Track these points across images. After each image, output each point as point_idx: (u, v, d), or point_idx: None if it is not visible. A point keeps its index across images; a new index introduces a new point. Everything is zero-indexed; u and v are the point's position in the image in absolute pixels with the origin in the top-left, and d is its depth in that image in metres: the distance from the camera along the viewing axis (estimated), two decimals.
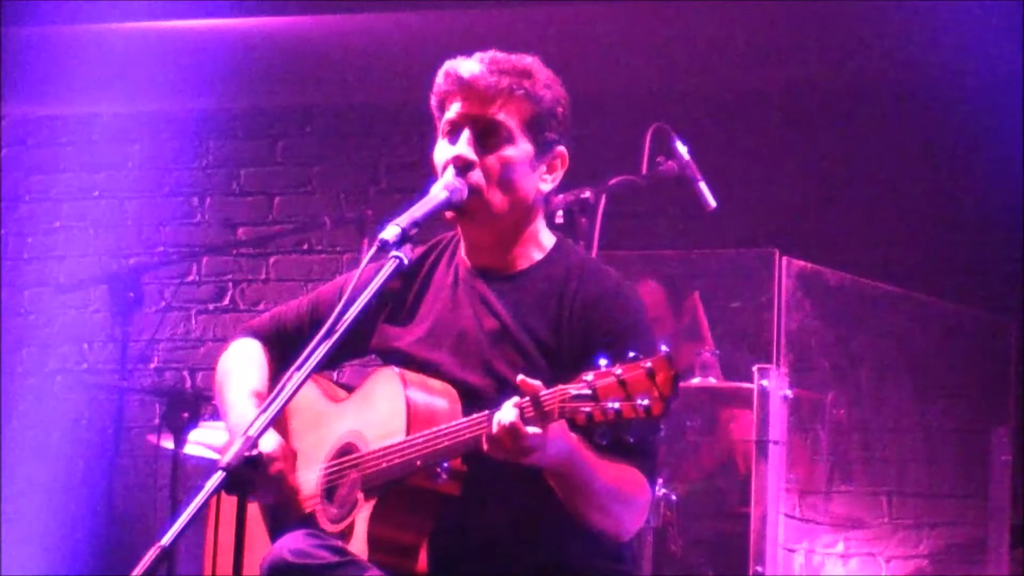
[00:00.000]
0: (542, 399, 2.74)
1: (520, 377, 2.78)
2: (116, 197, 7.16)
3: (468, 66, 3.12)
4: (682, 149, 4.47)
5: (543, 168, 3.16)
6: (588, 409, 2.65)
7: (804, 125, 6.40)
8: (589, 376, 2.66)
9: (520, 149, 3.12)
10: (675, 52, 6.14)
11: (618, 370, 2.62)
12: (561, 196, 4.18)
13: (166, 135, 7.12)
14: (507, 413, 2.77)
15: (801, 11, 5.69)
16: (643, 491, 3.01)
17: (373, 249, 2.92)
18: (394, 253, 2.92)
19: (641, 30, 6.00)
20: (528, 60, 3.15)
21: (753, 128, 6.41)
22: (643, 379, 2.60)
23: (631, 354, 2.64)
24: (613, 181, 4.43)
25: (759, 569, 4.44)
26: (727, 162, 5.85)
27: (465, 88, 3.11)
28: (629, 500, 3.00)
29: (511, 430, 2.76)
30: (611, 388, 2.63)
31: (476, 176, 3.10)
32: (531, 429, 2.75)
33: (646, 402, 2.59)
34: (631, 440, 2.80)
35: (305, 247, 6.99)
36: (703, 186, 4.48)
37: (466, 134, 3.11)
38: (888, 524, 5.50)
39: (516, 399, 2.77)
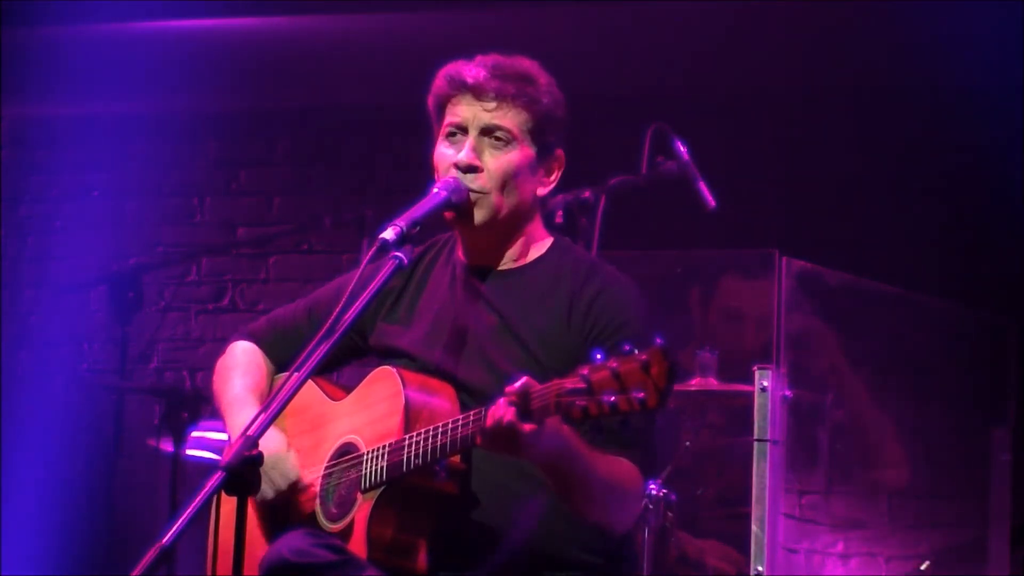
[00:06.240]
0: (537, 393, 2.74)
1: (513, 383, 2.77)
2: (116, 197, 7.16)
3: (472, 70, 3.14)
4: (682, 149, 4.48)
5: (542, 171, 3.19)
6: (583, 403, 2.64)
7: (804, 125, 6.39)
8: (584, 370, 2.66)
9: (522, 153, 3.14)
10: (675, 52, 6.13)
11: (613, 363, 2.62)
12: (561, 196, 4.19)
13: (166, 135, 7.11)
14: (501, 409, 2.77)
15: (802, 12, 5.69)
16: (636, 483, 3.02)
17: (373, 249, 2.94)
18: (394, 253, 2.93)
19: (641, 30, 5.99)
20: (528, 64, 3.18)
21: (753, 128, 6.40)
22: (638, 372, 2.60)
23: (626, 347, 2.64)
24: (613, 181, 4.45)
25: (759, 569, 4.43)
26: (727, 162, 5.84)
27: (469, 92, 3.13)
28: (623, 493, 3.00)
29: (507, 427, 2.76)
30: (606, 381, 2.62)
31: (480, 179, 3.12)
32: (526, 425, 2.74)
33: (641, 395, 2.59)
34: (626, 433, 2.81)
35: (305, 247, 6.98)
36: (703, 186, 4.48)
37: (470, 138, 3.13)
38: (888, 524, 5.48)
39: (513, 391, 2.76)
